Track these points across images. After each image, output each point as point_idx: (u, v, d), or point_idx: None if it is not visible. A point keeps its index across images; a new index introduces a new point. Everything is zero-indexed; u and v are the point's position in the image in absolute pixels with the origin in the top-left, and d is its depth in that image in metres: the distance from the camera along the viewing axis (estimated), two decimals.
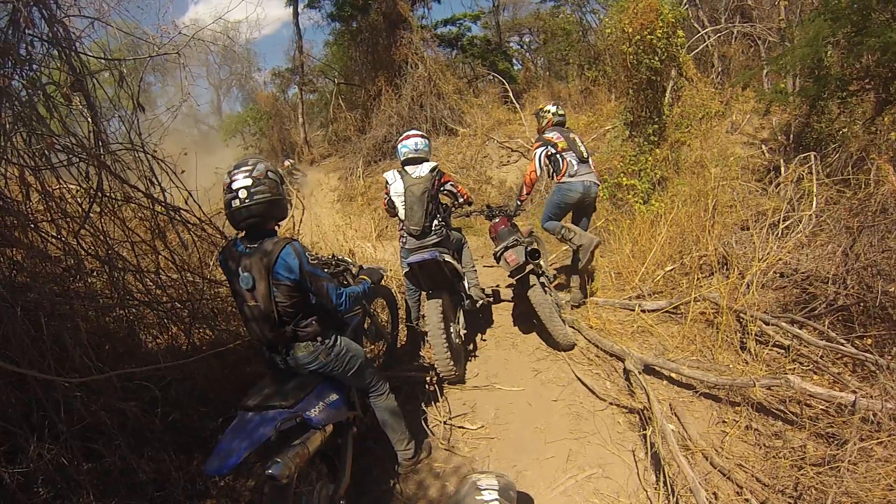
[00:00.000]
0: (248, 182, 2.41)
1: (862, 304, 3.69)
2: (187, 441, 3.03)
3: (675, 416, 3.34)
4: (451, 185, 4.31)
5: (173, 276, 3.71)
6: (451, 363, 3.83)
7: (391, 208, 4.30)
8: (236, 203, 2.41)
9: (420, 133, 4.29)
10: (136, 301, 3.40)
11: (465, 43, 17.83)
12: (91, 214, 3.09)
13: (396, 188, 4.15)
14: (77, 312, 2.97)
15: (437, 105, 13.81)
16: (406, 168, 4.17)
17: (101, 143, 3.14)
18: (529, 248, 4.19)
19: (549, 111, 5.15)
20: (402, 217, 4.18)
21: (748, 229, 5.00)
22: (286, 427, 2.29)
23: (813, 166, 5.45)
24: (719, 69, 11.76)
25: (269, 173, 2.49)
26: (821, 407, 3.09)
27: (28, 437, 2.32)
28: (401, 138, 4.29)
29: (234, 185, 2.41)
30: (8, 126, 2.67)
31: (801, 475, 2.69)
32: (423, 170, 4.12)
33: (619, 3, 7.81)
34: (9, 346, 2.37)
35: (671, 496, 2.67)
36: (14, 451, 2.32)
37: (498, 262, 4.33)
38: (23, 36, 2.80)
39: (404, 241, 4.25)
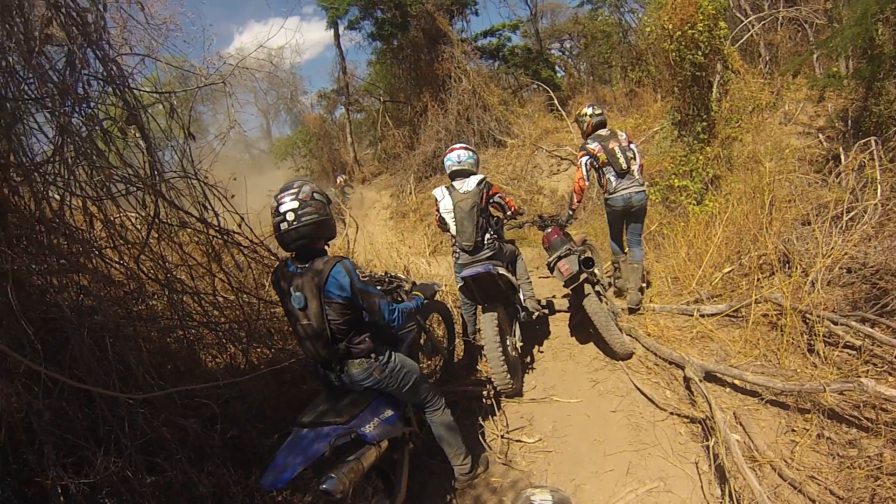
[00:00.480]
0: (295, 204, 2.47)
1: None
2: (245, 457, 3.10)
3: (741, 425, 3.19)
4: (500, 196, 4.27)
5: (230, 297, 3.83)
6: (508, 376, 3.79)
7: (443, 224, 4.28)
8: (284, 226, 2.47)
9: (464, 145, 4.27)
10: (195, 322, 3.52)
11: (507, 53, 17.84)
12: (150, 240, 3.23)
13: (445, 205, 4.13)
14: (139, 333, 3.11)
15: (483, 117, 13.90)
16: (454, 183, 4.16)
17: (156, 173, 3.28)
18: (583, 257, 4.11)
19: (586, 114, 5.03)
20: (454, 233, 4.16)
21: (809, 224, 4.75)
22: (340, 443, 2.32)
23: (874, 152, 5.16)
24: (767, 58, 11.31)
25: (314, 195, 2.54)
26: None
27: (95, 450, 2.42)
28: (446, 152, 4.29)
29: (282, 209, 2.48)
30: (70, 160, 2.82)
31: (878, 486, 2.51)
32: (471, 184, 4.08)
33: (657, 0, 7.64)
34: (76, 365, 2.49)
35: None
36: (80, 462, 2.43)
37: (552, 273, 4.26)
38: (79, 76, 2.97)
39: (457, 256, 4.23)
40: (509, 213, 4.38)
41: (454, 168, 4.17)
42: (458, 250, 4.19)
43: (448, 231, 4.27)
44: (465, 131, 13.67)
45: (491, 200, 4.20)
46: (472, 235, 4.03)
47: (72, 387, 2.30)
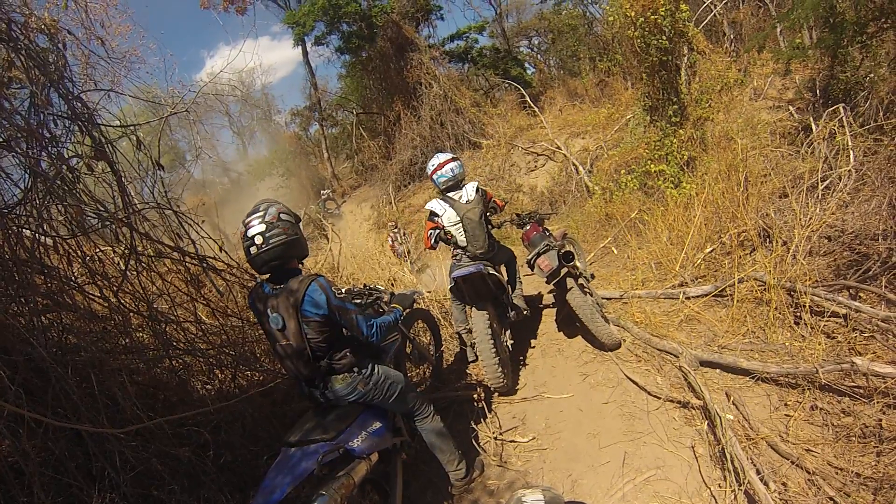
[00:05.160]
0: (262, 227, 2.47)
1: None
2: (241, 480, 3.07)
3: (734, 404, 3.19)
4: (492, 199, 4.37)
5: (214, 322, 3.82)
6: (501, 373, 3.81)
7: (437, 240, 4.21)
8: (254, 249, 2.47)
9: (451, 156, 4.27)
10: (181, 350, 3.50)
11: (475, 55, 18.01)
12: (129, 273, 3.22)
13: (450, 217, 4.14)
14: (125, 366, 3.09)
15: (456, 121, 13.99)
16: (449, 194, 4.18)
17: (127, 206, 3.27)
18: (563, 252, 4.08)
19: None
20: (464, 244, 4.18)
21: (786, 196, 4.77)
22: (329, 459, 2.30)
23: (844, 119, 5.18)
24: (731, 36, 11.49)
25: (281, 215, 2.54)
26: (892, 380, 2.85)
27: (87, 487, 2.40)
28: (434, 168, 4.23)
29: (250, 233, 2.48)
30: (38, 201, 2.81)
31: (878, 452, 2.51)
32: (469, 192, 4.14)
33: None
34: (61, 404, 2.48)
35: (739, 487, 2.54)
36: (73, 502, 2.41)
37: (532, 270, 4.25)
38: (44, 117, 2.96)
39: (458, 259, 4.26)
40: (499, 210, 4.47)
41: (450, 183, 4.19)
42: (461, 255, 4.23)
43: (451, 244, 4.25)
44: (440, 136, 13.77)
45: (490, 205, 4.29)
46: (485, 242, 4.14)
47: (58, 426, 2.29)
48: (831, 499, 2.40)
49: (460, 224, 4.12)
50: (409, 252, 9.67)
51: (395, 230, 10.35)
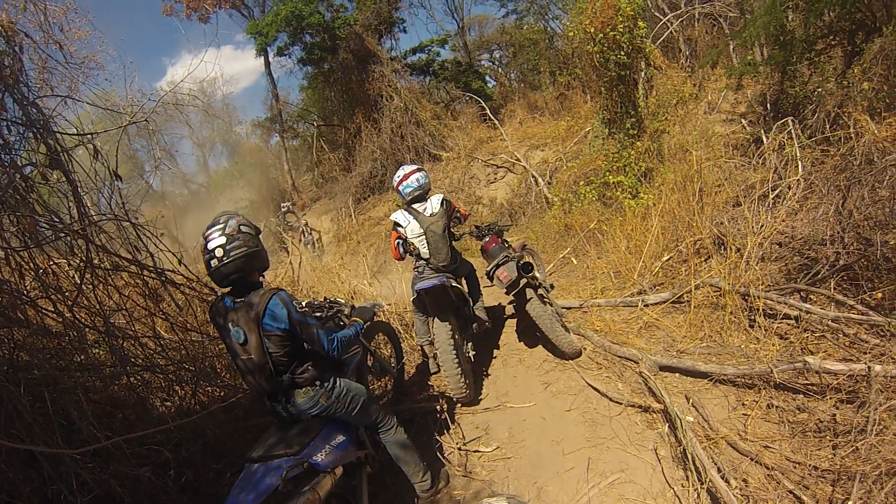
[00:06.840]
0: (223, 240, 2.43)
1: (864, 260, 3.64)
2: (204, 499, 2.99)
3: (693, 406, 3.28)
4: (457, 211, 4.37)
5: (173, 337, 3.72)
6: (463, 383, 3.81)
7: (405, 251, 4.23)
8: (215, 262, 2.42)
9: (416, 167, 4.28)
10: (139, 367, 3.40)
11: (437, 68, 18.13)
12: (84, 286, 3.11)
13: (413, 229, 4.12)
14: (81, 384, 2.98)
15: (417, 133, 14.03)
16: (414, 206, 4.17)
17: (83, 217, 3.17)
18: (521, 262, 4.11)
19: None
20: (426, 256, 4.16)
21: (739, 205, 4.96)
22: (293, 474, 2.27)
23: (792, 131, 5.43)
24: (687, 53, 11.91)
25: (241, 227, 2.50)
26: (843, 377, 3.00)
27: None
28: (399, 179, 4.21)
29: (210, 246, 2.43)
30: None
31: (833, 445, 2.64)
32: (434, 205, 4.14)
33: (578, 5, 7.93)
34: (13, 425, 2.37)
35: (702, 485, 2.60)
36: None
37: (492, 281, 4.26)
38: None
39: (421, 271, 4.24)
40: (464, 220, 4.48)
41: (416, 193, 4.18)
42: (423, 267, 4.22)
43: (413, 255, 4.25)
44: (400, 148, 13.80)
45: (454, 216, 4.29)
46: (447, 255, 4.13)
47: (10, 447, 2.19)
48: (791, 492, 2.49)
49: (423, 236, 4.11)
50: (314, 244, 12.15)
51: (305, 226, 12.86)
